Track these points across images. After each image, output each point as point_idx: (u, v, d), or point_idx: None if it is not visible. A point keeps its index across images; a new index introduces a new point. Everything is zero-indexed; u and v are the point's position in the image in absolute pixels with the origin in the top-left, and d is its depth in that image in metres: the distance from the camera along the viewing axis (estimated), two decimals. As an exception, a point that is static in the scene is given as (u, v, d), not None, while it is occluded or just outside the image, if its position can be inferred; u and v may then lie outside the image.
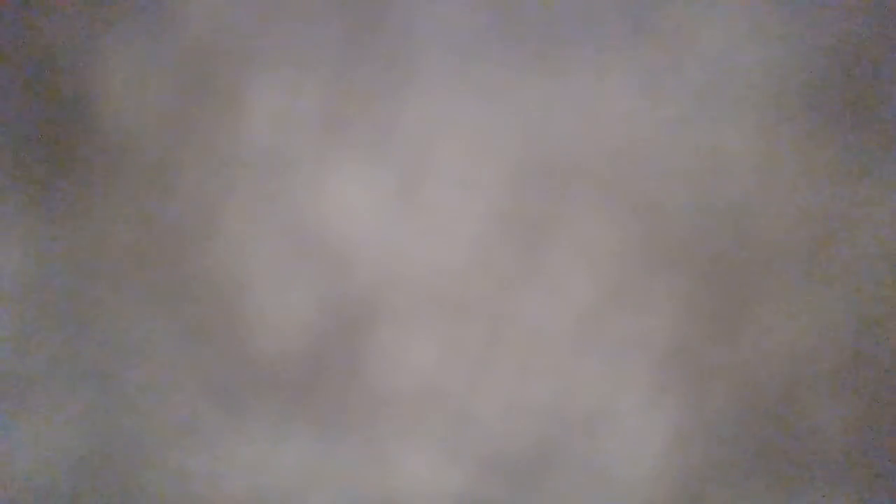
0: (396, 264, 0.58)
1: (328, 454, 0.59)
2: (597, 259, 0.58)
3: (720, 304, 0.58)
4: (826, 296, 0.58)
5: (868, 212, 0.58)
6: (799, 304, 0.58)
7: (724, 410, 0.58)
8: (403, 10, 0.58)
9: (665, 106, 0.57)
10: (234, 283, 0.59)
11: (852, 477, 0.58)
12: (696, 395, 0.58)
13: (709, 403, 0.58)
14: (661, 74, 0.57)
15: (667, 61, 0.57)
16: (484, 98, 0.58)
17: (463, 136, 0.58)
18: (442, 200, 0.58)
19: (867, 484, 0.59)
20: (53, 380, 0.60)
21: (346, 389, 0.59)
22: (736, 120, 0.57)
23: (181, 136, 0.59)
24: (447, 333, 0.58)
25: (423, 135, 0.58)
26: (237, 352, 0.59)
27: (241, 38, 0.58)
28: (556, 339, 0.58)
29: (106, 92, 0.59)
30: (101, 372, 0.59)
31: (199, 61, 0.58)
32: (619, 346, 0.58)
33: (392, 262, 0.58)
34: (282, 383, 0.59)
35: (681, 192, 0.58)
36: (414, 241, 0.58)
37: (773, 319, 0.58)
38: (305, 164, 0.58)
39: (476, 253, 0.58)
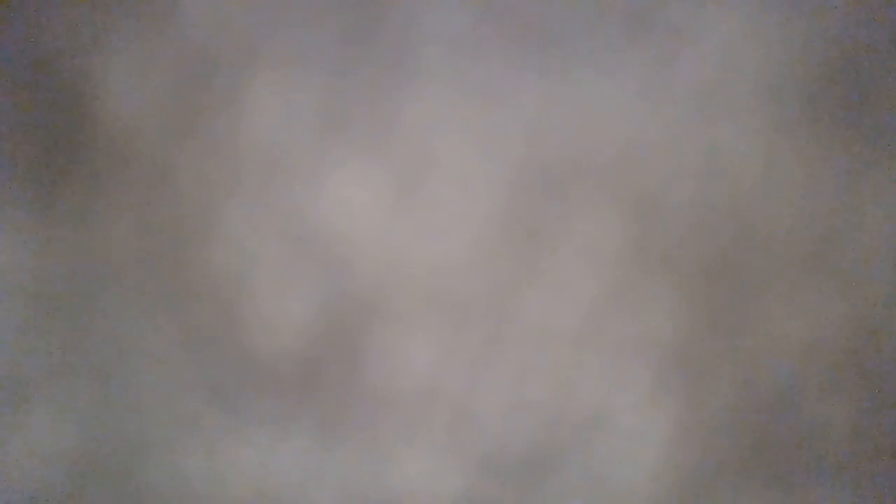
0: (396, 264, 0.58)
1: (328, 454, 0.59)
2: (597, 259, 0.58)
3: (720, 303, 0.58)
4: (826, 296, 0.58)
5: (868, 212, 0.58)
6: (799, 303, 0.58)
7: (724, 410, 0.58)
8: (403, 9, 0.58)
9: (665, 106, 0.57)
10: (234, 283, 0.59)
11: (852, 475, 0.58)
12: (696, 395, 0.58)
13: (709, 403, 0.58)
14: (661, 74, 0.57)
15: (667, 61, 0.57)
16: (484, 98, 0.58)
17: (463, 136, 0.58)
18: (442, 200, 0.58)
19: (867, 483, 0.59)
20: (53, 380, 0.60)
21: (346, 389, 0.59)
22: (736, 120, 0.57)
23: (181, 135, 0.59)
24: (447, 333, 0.58)
25: (422, 134, 0.58)
26: (237, 352, 0.59)
27: (241, 38, 0.58)
28: (556, 339, 0.58)
29: (106, 92, 0.59)
30: (101, 372, 0.59)
31: (199, 61, 0.58)
32: (619, 345, 0.58)
33: (392, 262, 0.58)
34: (282, 383, 0.59)
35: (681, 192, 0.58)
36: (414, 240, 0.58)
37: (774, 319, 0.58)
38: (305, 163, 0.58)
39: (476, 253, 0.58)
